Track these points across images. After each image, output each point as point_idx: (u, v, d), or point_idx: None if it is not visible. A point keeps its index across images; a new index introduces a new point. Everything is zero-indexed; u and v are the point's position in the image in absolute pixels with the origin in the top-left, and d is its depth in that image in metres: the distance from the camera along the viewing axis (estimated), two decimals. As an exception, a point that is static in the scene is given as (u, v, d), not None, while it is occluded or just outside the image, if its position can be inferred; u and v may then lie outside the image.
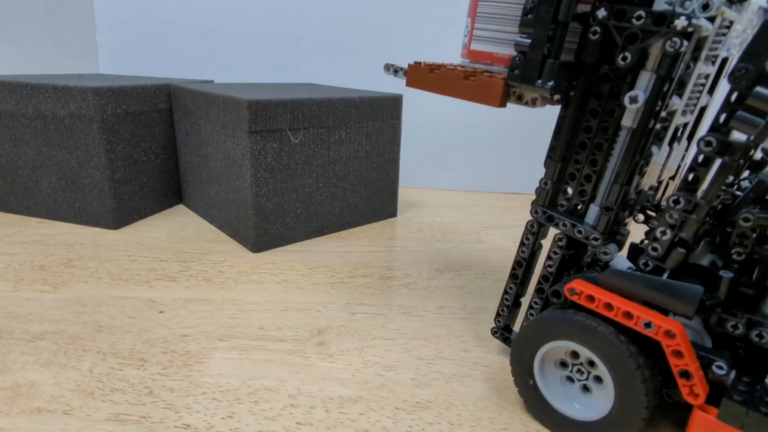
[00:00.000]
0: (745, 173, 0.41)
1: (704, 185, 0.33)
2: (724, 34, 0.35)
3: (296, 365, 0.44)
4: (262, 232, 0.68)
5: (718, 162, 0.32)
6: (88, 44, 1.04)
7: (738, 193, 0.36)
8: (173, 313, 0.52)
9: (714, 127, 0.31)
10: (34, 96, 0.71)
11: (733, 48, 0.37)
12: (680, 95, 0.35)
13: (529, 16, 0.34)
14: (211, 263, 0.64)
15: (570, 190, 0.39)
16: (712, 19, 0.32)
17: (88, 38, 1.04)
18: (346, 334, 0.49)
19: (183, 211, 0.84)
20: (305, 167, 0.70)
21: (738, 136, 0.31)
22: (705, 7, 0.30)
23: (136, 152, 0.77)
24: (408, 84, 0.43)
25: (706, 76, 0.38)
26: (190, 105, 0.75)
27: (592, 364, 0.37)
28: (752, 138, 0.30)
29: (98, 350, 0.45)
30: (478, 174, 1.06)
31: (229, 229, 0.73)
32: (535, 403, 0.39)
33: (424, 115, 1.03)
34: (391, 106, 0.79)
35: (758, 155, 0.40)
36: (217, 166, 0.72)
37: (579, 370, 0.37)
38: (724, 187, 0.36)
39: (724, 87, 0.43)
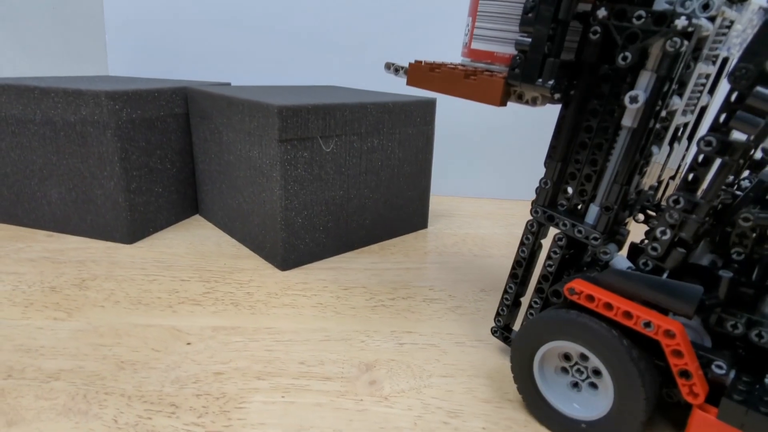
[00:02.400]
0: (745, 173, 0.41)
1: (704, 185, 0.33)
2: (724, 34, 0.35)
3: (348, 411, 0.39)
4: (291, 249, 0.63)
5: (718, 162, 0.32)
6: (97, 45, 0.98)
7: (738, 192, 0.36)
8: (202, 345, 0.46)
9: (714, 127, 0.31)
10: (42, 101, 0.65)
11: (734, 48, 0.37)
12: (680, 95, 0.35)
13: (530, 15, 0.34)
14: (237, 283, 0.59)
15: (570, 190, 0.39)
16: (712, 19, 0.32)
17: (96, 38, 0.98)
18: (398, 370, 0.44)
19: (200, 223, 0.79)
20: (336, 178, 0.65)
21: (738, 135, 0.31)
22: (705, 6, 0.30)
23: (151, 161, 0.71)
24: (408, 83, 0.42)
25: (707, 76, 0.37)
26: (210, 110, 0.70)
27: (592, 364, 0.36)
28: (752, 138, 0.29)
29: (122, 393, 0.40)
30: (508, 181, 1.01)
31: (253, 244, 0.68)
32: (535, 403, 0.39)
33: (450, 119, 0.98)
34: (425, 110, 0.73)
35: (758, 155, 0.40)
36: (240, 176, 0.67)
37: (578, 370, 0.37)
38: (723, 187, 0.36)
39: (724, 87, 0.44)
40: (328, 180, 0.64)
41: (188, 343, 0.46)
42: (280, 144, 0.58)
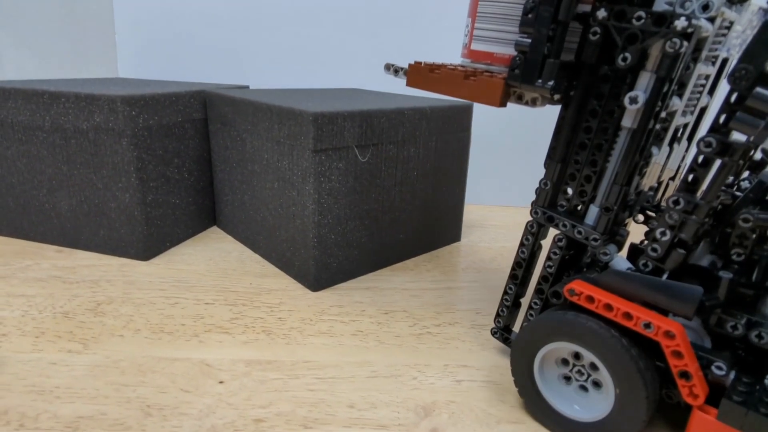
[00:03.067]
0: (745, 174, 0.40)
1: (704, 186, 0.32)
2: (724, 35, 0.34)
3: (413, 469, 0.34)
4: (323, 267, 0.58)
5: (717, 163, 0.32)
6: (107, 45, 0.93)
7: (738, 193, 0.36)
8: (236, 384, 0.41)
9: (714, 128, 0.31)
10: (53, 106, 0.60)
11: (733, 49, 0.37)
12: (680, 96, 0.35)
13: (530, 15, 0.34)
14: (267, 307, 0.54)
15: (570, 191, 0.39)
16: (712, 20, 0.32)
17: (106, 38, 0.93)
18: (461, 414, 0.39)
19: (219, 236, 0.74)
20: (371, 190, 0.60)
21: (738, 136, 0.30)
22: (705, 7, 0.30)
23: (168, 170, 0.66)
24: (408, 84, 0.42)
25: (706, 77, 0.37)
26: (232, 115, 0.65)
27: (591, 365, 0.36)
28: (752, 139, 0.29)
29: (151, 446, 0.34)
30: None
31: (280, 261, 0.63)
32: (535, 404, 0.38)
33: (478, 123, 0.92)
34: (462, 115, 0.68)
35: (758, 156, 0.40)
36: (265, 188, 0.62)
37: (579, 371, 0.37)
38: (723, 188, 0.36)
39: (724, 88, 0.43)
40: (363, 192, 0.59)
41: (221, 382, 0.41)
42: (315, 154, 0.53)
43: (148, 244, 0.64)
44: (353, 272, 0.62)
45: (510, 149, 0.94)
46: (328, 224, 0.56)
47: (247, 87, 0.81)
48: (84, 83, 0.70)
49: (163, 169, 0.65)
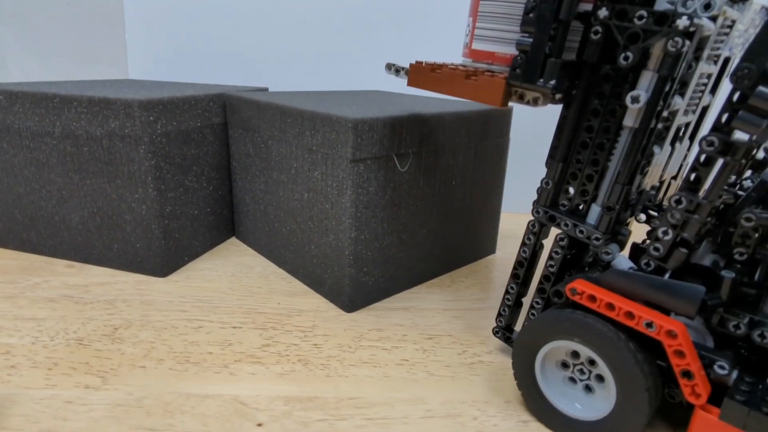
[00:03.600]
0: (747, 173, 0.40)
1: (706, 185, 0.32)
2: (726, 34, 0.34)
3: None
4: (358, 286, 0.53)
5: (720, 162, 0.31)
6: (116, 44, 0.88)
7: (740, 193, 0.36)
8: (277, 426, 0.36)
9: (716, 127, 0.31)
10: (63, 110, 0.55)
11: (736, 48, 0.36)
12: (682, 95, 0.35)
13: (531, 15, 0.34)
14: (300, 331, 0.49)
15: (572, 190, 0.39)
16: (714, 19, 0.32)
17: (115, 37, 0.88)
18: (536, 465, 0.34)
19: (238, 248, 0.69)
20: (409, 202, 0.55)
21: (740, 135, 0.30)
22: (707, 6, 0.30)
23: (187, 179, 0.61)
24: (409, 83, 0.42)
25: (708, 76, 0.37)
26: (255, 120, 0.60)
27: (593, 363, 0.36)
28: (754, 138, 0.29)
29: None
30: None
31: (309, 278, 0.58)
32: (536, 403, 0.38)
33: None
34: (501, 120, 0.63)
35: (760, 155, 0.39)
36: (293, 198, 0.57)
37: (580, 370, 0.37)
38: (726, 187, 0.36)
39: (726, 87, 0.42)
40: (401, 205, 0.54)
41: (259, 424, 0.37)
42: (353, 164, 0.48)
43: (165, 260, 0.59)
44: (388, 290, 0.57)
45: (533, 153, 0.89)
46: (364, 240, 0.52)
47: (267, 89, 0.76)
48: (95, 86, 0.65)
49: (182, 178, 0.60)
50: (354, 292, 0.53)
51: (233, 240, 0.72)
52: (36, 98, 0.56)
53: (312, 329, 0.50)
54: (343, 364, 0.44)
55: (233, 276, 0.60)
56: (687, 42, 0.30)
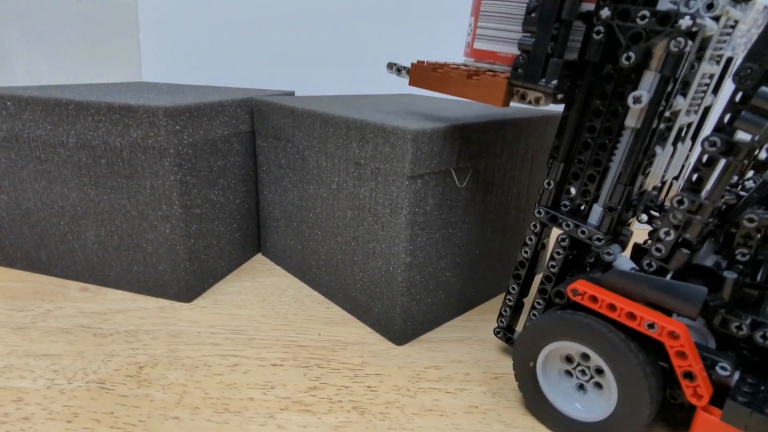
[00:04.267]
0: (750, 173, 0.40)
1: (708, 185, 0.32)
2: (728, 34, 0.34)
3: None
4: (410, 316, 0.48)
5: (722, 162, 0.31)
6: (129, 44, 0.83)
7: (742, 193, 0.36)
8: (341, 498, 0.31)
9: (718, 127, 0.31)
10: (79, 118, 0.50)
11: (738, 48, 0.36)
12: (684, 95, 0.35)
13: (533, 14, 0.34)
14: (349, 370, 0.43)
15: (573, 191, 0.38)
16: (716, 19, 0.32)
17: (129, 37, 0.83)
18: None
19: (266, 267, 0.63)
20: (464, 220, 0.49)
21: (742, 136, 0.30)
22: (710, 6, 0.30)
23: (213, 193, 0.56)
24: (411, 83, 0.43)
25: (711, 76, 0.37)
26: (289, 129, 0.54)
27: (595, 365, 0.36)
28: (757, 138, 0.29)
29: None
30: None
31: (350, 304, 0.52)
32: (537, 403, 0.38)
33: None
34: (552, 126, 0.58)
35: (763, 155, 0.39)
36: (333, 216, 0.52)
37: (582, 371, 0.37)
38: (728, 188, 0.36)
39: (728, 87, 0.39)
40: (456, 224, 0.49)
41: (320, 496, 0.31)
42: (411, 181, 0.42)
43: (191, 283, 0.54)
44: (438, 319, 0.51)
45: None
46: (418, 264, 0.46)
47: (293, 93, 0.70)
48: (112, 90, 0.60)
49: (208, 192, 0.55)
50: (405, 323, 0.47)
51: (259, 257, 0.67)
52: (48, 104, 0.50)
53: (362, 367, 0.44)
54: (405, 412, 0.39)
55: (265, 300, 0.55)
56: (690, 42, 0.30)
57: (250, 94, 0.61)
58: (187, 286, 0.53)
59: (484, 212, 0.52)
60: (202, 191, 0.54)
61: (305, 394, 0.40)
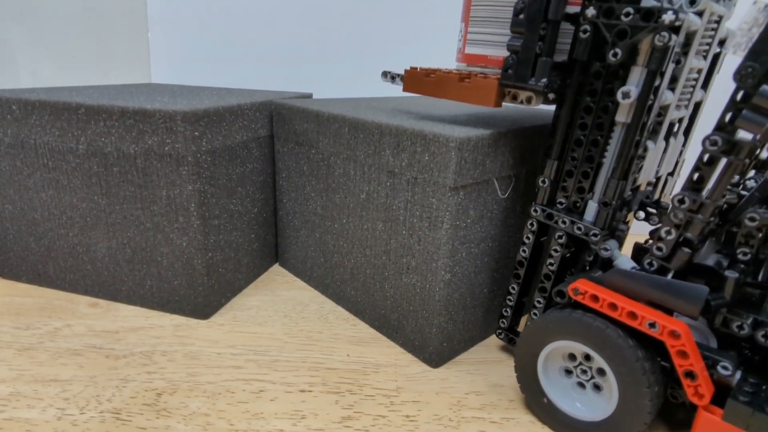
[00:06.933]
0: (751, 173, 0.40)
1: (709, 184, 0.32)
2: (714, 29, 0.35)
3: None
4: (446, 337, 0.44)
5: (723, 161, 0.31)
6: (138, 44, 0.79)
7: (743, 192, 0.36)
8: None
9: (719, 126, 0.31)
10: (90, 124, 0.46)
11: (739, 47, 0.37)
12: (673, 90, 0.35)
13: (521, 16, 0.35)
14: (383, 396, 0.40)
15: (568, 188, 0.38)
16: (700, 14, 0.32)
17: (137, 36, 0.79)
18: None
19: (285, 279, 0.60)
20: (503, 232, 0.46)
21: (744, 135, 0.30)
22: (692, 1, 0.31)
23: (231, 202, 0.52)
24: (405, 89, 0.43)
25: (699, 71, 0.37)
26: (312, 134, 0.51)
27: (596, 364, 0.35)
28: (758, 137, 0.29)
29: None
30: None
31: (378, 322, 0.49)
32: (538, 402, 0.38)
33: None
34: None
35: (764, 154, 0.39)
36: (363, 228, 0.48)
37: (583, 370, 0.36)
38: (729, 187, 0.36)
39: (718, 82, 0.41)
40: (495, 238, 0.45)
41: None
42: (453, 192, 0.39)
43: (209, 299, 0.50)
44: (475, 338, 0.48)
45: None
46: (457, 281, 0.43)
47: (311, 95, 0.67)
48: (123, 93, 0.56)
49: (226, 202, 0.51)
50: (441, 344, 0.44)
51: (276, 268, 0.63)
52: (57, 108, 0.47)
53: (397, 393, 0.41)
54: (450, 446, 0.35)
55: (286, 317, 0.51)
56: (674, 36, 0.30)
57: (268, 97, 0.58)
58: (204, 302, 0.50)
59: (517, 224, 0.48)
60: (221, 201, 0.50)
61: (339, 426, 0.37)
